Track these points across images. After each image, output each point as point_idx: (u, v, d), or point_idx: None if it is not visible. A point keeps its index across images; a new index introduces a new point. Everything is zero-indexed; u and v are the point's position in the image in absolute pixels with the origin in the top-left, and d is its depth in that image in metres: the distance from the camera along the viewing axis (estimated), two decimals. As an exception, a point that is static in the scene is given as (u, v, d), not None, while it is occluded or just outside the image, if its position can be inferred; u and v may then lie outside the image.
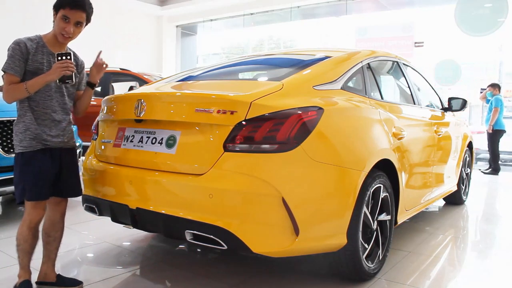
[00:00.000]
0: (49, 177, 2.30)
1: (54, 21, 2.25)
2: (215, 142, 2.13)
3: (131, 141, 2.47)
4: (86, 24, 2.31)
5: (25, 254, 2.31)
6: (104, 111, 2.71)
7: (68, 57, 2.18)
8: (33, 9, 10.03)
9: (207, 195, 2.04)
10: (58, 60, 2.18)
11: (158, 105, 2.40)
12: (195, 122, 2.21)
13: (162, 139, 2.32)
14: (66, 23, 2.20)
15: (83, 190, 2.63)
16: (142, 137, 2.42)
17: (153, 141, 2.36)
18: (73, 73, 2.21)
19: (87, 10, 2.25)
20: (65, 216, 2.48)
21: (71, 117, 2.43)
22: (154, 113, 2.37)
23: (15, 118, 2.30)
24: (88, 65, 2.45)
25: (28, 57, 2.19)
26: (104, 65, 2.44)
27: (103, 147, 2.67)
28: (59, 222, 2.45)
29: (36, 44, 2.23)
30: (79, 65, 2.43)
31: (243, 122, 2.09)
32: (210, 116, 2.14)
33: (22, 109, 2.27)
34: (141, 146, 2.40)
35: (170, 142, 2.28)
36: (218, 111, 2.12)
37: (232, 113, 2.10)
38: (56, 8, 2.22)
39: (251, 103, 2.10)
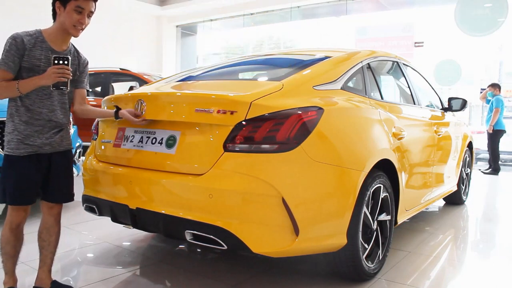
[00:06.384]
0: (34, 182, 2.17)
1: (56, 15, 2.14)
2: (215, 142, 2.13)
3: (131, 141, 2.47)
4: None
5: (8, 258, 2.19)
6: None
7: (66, 62, 2.04)
8: (33, 8, 10.03)
9: (207, 195, 2.04)
10: (54, 63, 2.04)
11: (158, 105, 2.40)
12: (195, 122, 2.21)
13: (162, 139, 2.32)
14: (81, 14, 2.11)
15: (83, 191, 2.63)
16: (142, 137, 2.42)
17: (153, 141, 2.36)
18: (68, 80, 2.08)
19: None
20: (60, 220, 2.35)
21: (70, 118, 2.36)
22: (154, 113, 2.37)
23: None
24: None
25: (24, 52, 2.06)
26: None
27: (103, 147, 2.67)
28: (53, 227, 2.31)
29: (34, 39, 2.10)
30: (81, 63, 2.32)
31: (243, 122, 2.09)
32: (210, 116, 2.14)
33: (13, 107, 2.14)
34: (141, 146, 2.40)
35: (170, 142, 2.28)
36: (218, 111, 2.12)
37: (232, 113, 2.10)
38: (64, 0, 2.09)
39: (251, 103, 2.10)
